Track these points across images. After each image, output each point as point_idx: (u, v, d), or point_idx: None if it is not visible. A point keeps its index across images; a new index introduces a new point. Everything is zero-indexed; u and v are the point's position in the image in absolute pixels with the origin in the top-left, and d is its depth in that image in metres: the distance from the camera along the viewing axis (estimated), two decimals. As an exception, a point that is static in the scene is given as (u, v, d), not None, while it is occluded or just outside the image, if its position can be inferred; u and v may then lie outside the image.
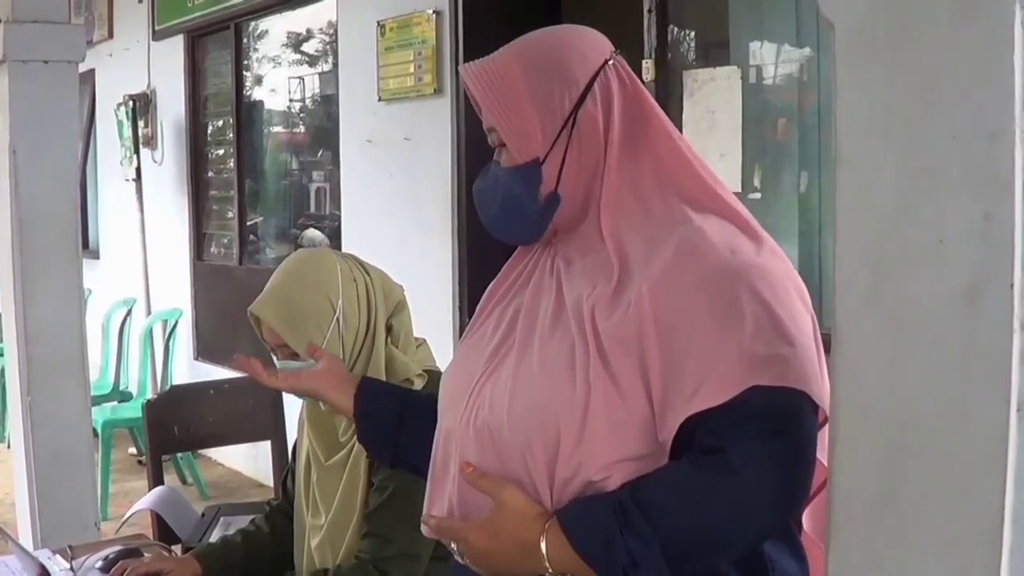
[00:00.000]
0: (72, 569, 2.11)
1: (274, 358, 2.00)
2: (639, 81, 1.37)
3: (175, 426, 2.92)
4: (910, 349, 0.90)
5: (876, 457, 0.94)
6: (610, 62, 1.34)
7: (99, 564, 2.11)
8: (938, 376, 0.88)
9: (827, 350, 1.11)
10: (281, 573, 2.10)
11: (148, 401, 2.99)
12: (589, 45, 1.36)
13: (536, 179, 1.32)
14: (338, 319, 1.93)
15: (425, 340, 2.11)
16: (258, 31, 5.82)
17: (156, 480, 2.84)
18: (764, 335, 1.18)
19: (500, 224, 1.39)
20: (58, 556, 2.18)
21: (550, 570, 1.23)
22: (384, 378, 1.95)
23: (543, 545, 1.23)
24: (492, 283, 1.48)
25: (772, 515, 1.22)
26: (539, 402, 1.25)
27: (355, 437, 1.96)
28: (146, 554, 2.16)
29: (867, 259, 0.94)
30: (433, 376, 2.01)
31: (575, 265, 1.34)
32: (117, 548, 2.18)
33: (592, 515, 1.21)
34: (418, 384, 1.98)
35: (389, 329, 2.01)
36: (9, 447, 3.88)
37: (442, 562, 1.86)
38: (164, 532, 2.53)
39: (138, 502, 2.67)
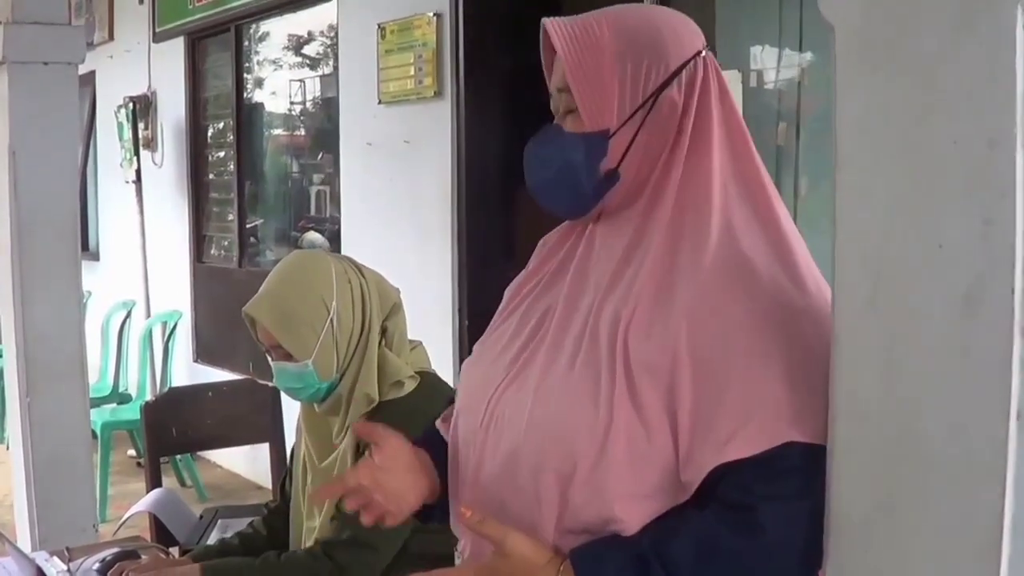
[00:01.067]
0: (69, 571, 2.11)
1: (269, 359, 2.00)
2: (726, 82, 1.31)
3: (174, 428, 2.91)
4: (909, 355, 0.90)
5: (875, 464, 0.94)
6: (703, 53, 1.28)
7: (96, 566, 2.10)
8: (938, 382, 0.88)
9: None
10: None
11: (147, 403, 2.97)
12: (686, 31, 1.29)
13: (600, 151, 1.25)
14: (332, 321, 1.93)
15: (420, 343, 2.10)
16: (259, 33, 5.82)
17: (154, 482, 2.82)
18: (804, 385, 1.12)
19: (549, 190, 1.31)
20: (55, 558, 2.17)
21: None
22: (376, 379, 1.95)
23: None
24: (520, 276, 1.42)
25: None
26: (557, 424, 1.20)
27: (346, 439, 1.97)
28: (143, 556, 2.16)
29: (866, 264, 0.93)
30: (426, 378, 2.01)
31: (613, 270, 1.26)
32: (114, 550, 2.17)
33: (609, 564, 1.16)
34: (409, 386, 1.98)
35: (384, 331, 2.00)
36: (8, 449, 3.87)
37: (419, 559, 1.84)
38: (162, 534, 2.52)
39: (136, 504, 2.65)
